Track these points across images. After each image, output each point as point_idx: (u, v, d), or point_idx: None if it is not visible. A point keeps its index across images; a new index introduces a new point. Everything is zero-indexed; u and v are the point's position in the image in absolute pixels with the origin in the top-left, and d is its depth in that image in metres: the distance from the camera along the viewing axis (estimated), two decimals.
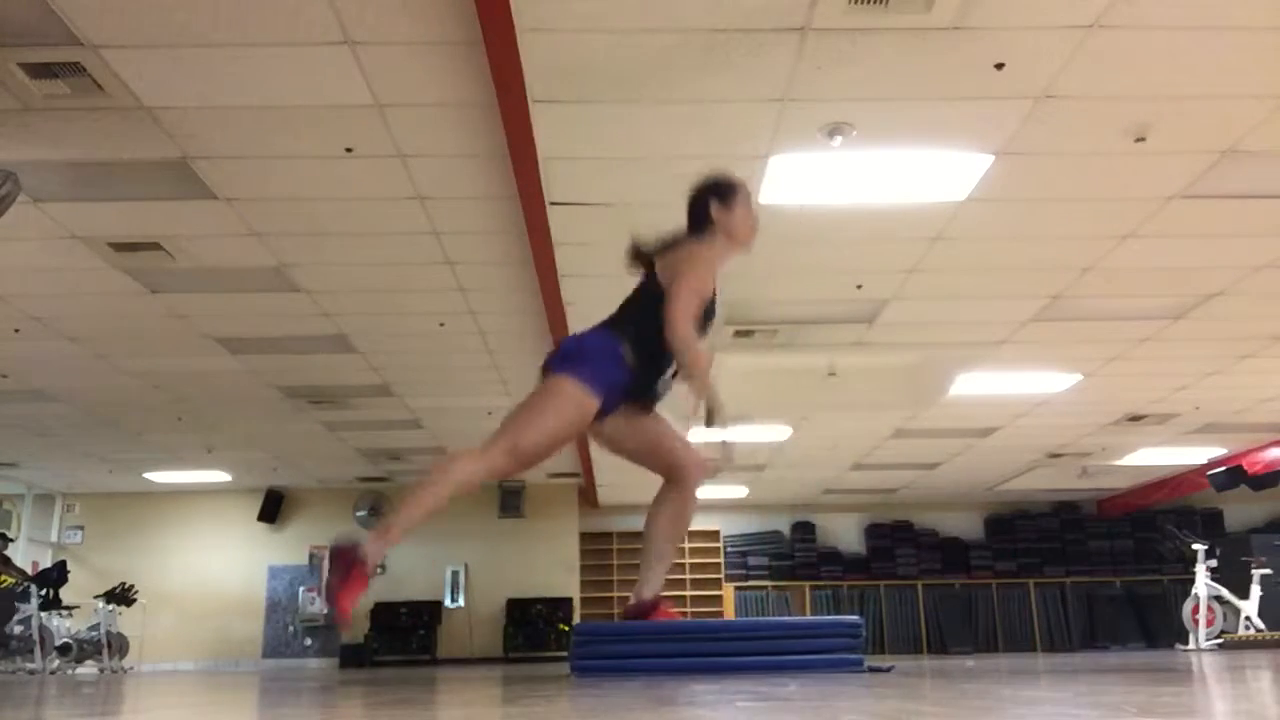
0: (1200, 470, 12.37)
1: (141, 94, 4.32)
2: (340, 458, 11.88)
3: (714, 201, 3.43)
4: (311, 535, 13.63)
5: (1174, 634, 12.34)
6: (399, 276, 6.40)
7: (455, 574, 13.42)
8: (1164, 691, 2.34)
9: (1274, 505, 14.35)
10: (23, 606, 9.76)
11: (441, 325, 7.31)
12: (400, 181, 5.15)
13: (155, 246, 5.86)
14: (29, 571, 11.12)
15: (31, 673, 9.34)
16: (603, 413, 3.22)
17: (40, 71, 4.11)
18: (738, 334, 7.38)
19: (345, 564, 2.90)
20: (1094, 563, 14.58)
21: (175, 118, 4.52)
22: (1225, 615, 9.86)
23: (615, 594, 13.89)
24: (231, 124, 4.59)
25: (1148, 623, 14.09)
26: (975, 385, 8.75)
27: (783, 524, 14.92)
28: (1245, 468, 11.40)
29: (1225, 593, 9.88)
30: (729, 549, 14.69)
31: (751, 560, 14.67)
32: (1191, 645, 9.77)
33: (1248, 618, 9.76)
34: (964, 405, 9.39)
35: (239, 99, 4.39)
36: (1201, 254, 6.16)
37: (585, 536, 14.14)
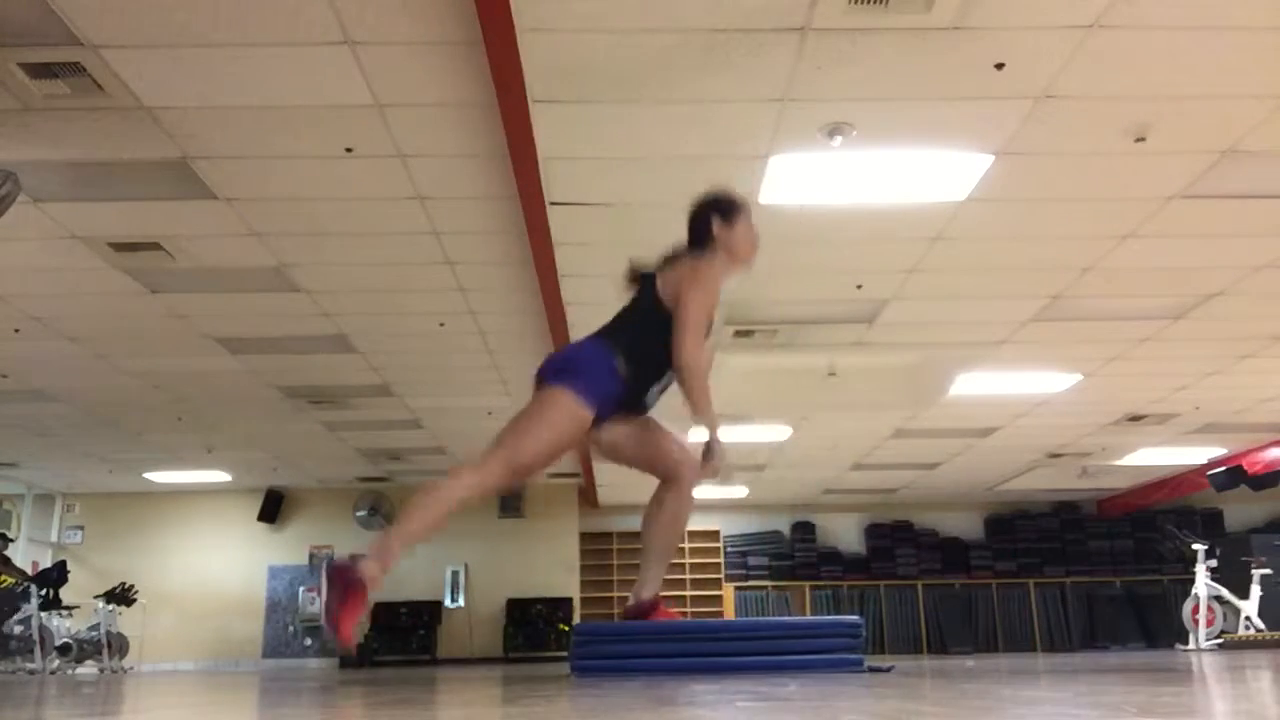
0: (1200, 470, 12.38)
1: (141, 94, 4.32)
2: (340, 458, 11.88)
3: (716, 218, 3.43)
4: (311, 535, 13.65)
5: (1174, 634, 12.35)
6: (399, 276, 6.40)
7: (455, 574, 13.42)
8: (1164, 691, 2.34)
9: (1274, 505, 14.35)
10: (23, 606, 9.76)
11: (441, 325, 7.31)
12: (400, 181, 5.15)
13: (155, 246, 5.86)
14: (29, 571, 11.12)
15: (31, 673, 9.34)
16: (597, 421, 3.22)
17: (40, 71, 4.11)
18: (738, 334, 7.38)
19: (343, 585, 2.87)
20: (1094, 563, 14.58)
21: (175, 118, 4.52)
22: (1225, 615, 9.86)
23: (615, 594, 13.89)
24: (231, 124, 4.59)
25: (1148, 623, 14.10)
26: (975, 385, 8.75)
27: (783, 524, 14.93)
28: (1245, 468, 11.40)
29: (1225, 593, 9.89)
30: (729, 549, 14.69)
31: (751, 560, 14.67)
32: (1191, 645, 9.77)
33: (1248, 618, 9.77)
34: (964, 405, 9.39)
35: (239, 99, 4.39)
36: (1201, 254, 6.16)
37: (585, 536, 14.15)
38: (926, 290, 6.65)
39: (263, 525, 13.59)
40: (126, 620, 11.11)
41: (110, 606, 10.63)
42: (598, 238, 5.77)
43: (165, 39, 3.95)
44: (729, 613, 14.27)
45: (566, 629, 12.83)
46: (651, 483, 3.61)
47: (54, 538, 13.50)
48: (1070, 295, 6.77)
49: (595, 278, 6.13)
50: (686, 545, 14.21)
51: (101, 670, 10.37)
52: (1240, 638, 9.61)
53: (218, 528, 13.65)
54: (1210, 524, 14.16)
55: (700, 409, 3.22)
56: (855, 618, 3.97)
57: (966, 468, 12.50)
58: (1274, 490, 11.69)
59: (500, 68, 4.03)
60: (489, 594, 13.46)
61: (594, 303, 6.03)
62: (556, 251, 5.83)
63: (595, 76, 4.24)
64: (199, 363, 8.06)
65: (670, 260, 3.43)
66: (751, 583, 14.55)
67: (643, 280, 3.43)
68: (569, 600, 13.47)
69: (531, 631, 13.17)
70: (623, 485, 12.28)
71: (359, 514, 13.49)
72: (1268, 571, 10.10)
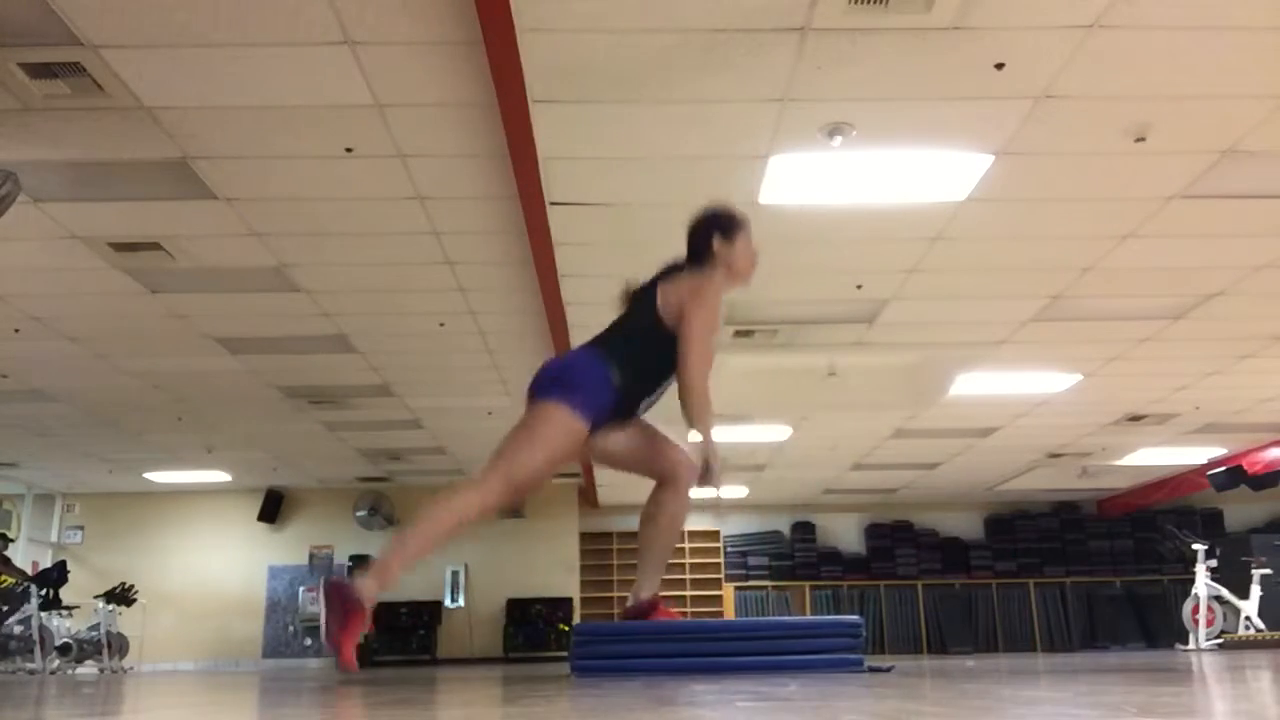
0: (1200, 470, 12.38)
1: (141, 94, 4.32)
2: (340, 458, 11.88)
3: (716, 234, 3.43)
4: (312, 535, 13.65)
5: (1174, 634, 12.35)
6: (399, 276, 6.40)
7: (455, 574, 13.42)
8: (1164, 691, 2.34)
9: (1274, 505, 14.35)
10: (23, 606, 9.77)
11: (441, 325, 7.31)
12: (400, 181, 5.15)
13: (155, 246, 5.86)
14: (29, 571, 11.12)
15: (31, 673, 9.34)
16: (591, 430, 3.21)
17: (40, 71, 4.11)
18: (738, 334, 7.38)
19: (342, 605, 2.86)
20: (1094, 563, 14.59)
21: (175, 118, 4.52)
22: (1225, 615, 9.86)
23: (615, 594, 13.90)
24: (231, 124, 4.60)
25: (1148, 623, 14.10)
26: (975, 385, 8.75)
27: (783, 524, 14.93)
28: (1245, 468, 11.41)
29: (1225, 593, 9.89)
30: (729, 549, 14.69)
31: (751, 560, 14.68)
32: (1191, 645, 9.78)
33: (1248, 618, 9.77)
34: (964, 405, 9.39)
35: (239, 99, 4.39)
36: (1201, 254, 6.16)
37: (585, 536, 14.15)
38: (926, 290, 6.65)
39: (263, 525, 13.58)
40: (126, 620, 11.12)
41: (110, 606, 10.63)
42: (598, 238, 5.77)
43: (165, 39, 3.95)
44: (729, 613, 14.27)
45: (566, 629, 12.84)
46: (651, 483, 3.61)
47: (54, 538, 13.50)
48: (1070, 295, 6.77)
49: (595, 278, 6.14)
50: (686, 545, 14.22)
51: (101, 670, 10.37)
52: (1240, 638, 9.61)
53: (218, 528, 13.65)
54: (1210, 524, 14.16)
55: (701, 428, 3.22)
56: (855, 618, 3.97)
57: (966, 468, 12.50)
58: (1274, 490, 11.70)
59: (500, 68, 4.03)
60: (489, 594, 13.46)
61: (594, 303, 6.03)
62: (556, 251, 5.83)
63: (595, 76, 4.24)
64: (199, 363, 8.06)
65: (669, 274, 3.42)
66: (751, 583, 14.55)
67: (641, 292, 3.42)
68: (569, 600, 13.48)
69: (531, 631, 13.18)
70: (622, 485, 12.28)
71: (359, 514, 13.49)
72: (1268, 571, 10.10)
